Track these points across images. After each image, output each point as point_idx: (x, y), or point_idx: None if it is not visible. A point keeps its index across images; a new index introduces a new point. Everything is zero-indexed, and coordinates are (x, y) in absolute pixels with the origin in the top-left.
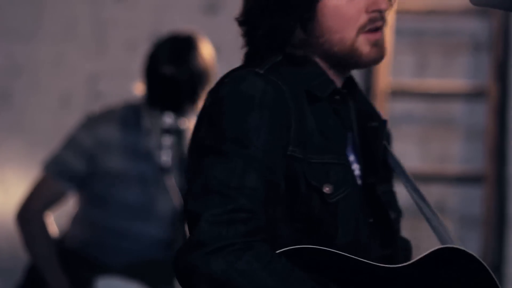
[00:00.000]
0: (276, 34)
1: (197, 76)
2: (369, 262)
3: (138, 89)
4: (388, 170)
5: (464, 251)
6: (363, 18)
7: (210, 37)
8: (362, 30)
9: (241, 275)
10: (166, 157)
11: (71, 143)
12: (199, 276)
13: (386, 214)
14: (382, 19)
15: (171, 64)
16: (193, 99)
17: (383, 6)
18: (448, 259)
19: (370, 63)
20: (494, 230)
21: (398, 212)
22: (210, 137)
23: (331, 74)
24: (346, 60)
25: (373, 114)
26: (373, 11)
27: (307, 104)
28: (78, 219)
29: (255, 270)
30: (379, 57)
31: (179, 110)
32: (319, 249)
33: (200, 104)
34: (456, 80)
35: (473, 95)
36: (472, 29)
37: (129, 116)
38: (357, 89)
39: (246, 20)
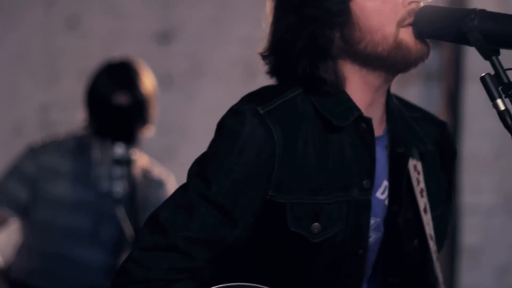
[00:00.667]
0: (316, 47)
1: (145, 103)
2: None
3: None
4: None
5: None
6: (401, 11)
7: (162, 66)
8: (401, 23)
9: None
10: (117, 187)
11: (14, 171)
12: None
13: (399, 243)
14: None
15: (121, 93)
16: (141, 128)
17: None
18: None
19: (419, 59)
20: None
21: (422, 241)
22: (193, 164)
23: (364, 98)
24: (394, 58)
25: (403, 139)
26: (410, 3)
27: (321, 136)
28: (23, 248)
29: None
30: (427, 51)
31: (131, 140)
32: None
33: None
34: None
35: None
36: None
37: (74, 145)
38: (393, 110)
39: (276, 48)
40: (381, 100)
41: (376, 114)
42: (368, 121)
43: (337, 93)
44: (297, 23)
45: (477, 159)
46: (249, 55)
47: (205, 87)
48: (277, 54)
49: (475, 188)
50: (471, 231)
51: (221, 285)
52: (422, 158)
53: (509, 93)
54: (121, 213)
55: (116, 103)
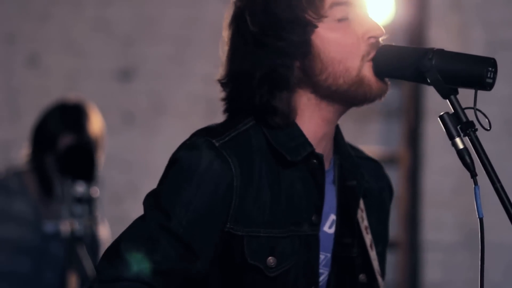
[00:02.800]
0: (275, 77)
1: (100, 141)
2: None
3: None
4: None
5: None
6: (364, 45)
7: (124, 104)
8: (366, 58)
9: None
10: (78, 225)
11: None
12: None
13: (354, 277)
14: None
15: (79, 133)
16: (98, 166)
17: (378, 32)
18: None
19: (377, 96)
20: None
21: (371, 276)
22: (149, 196)
23: (317, 131)
24: (354, 92)
25: (355, 171)
26: (370, 38)
27: (273, 170)
28: None
29: None
30: (386, 89)
31: (91, 178)
32: None
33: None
34: (368, 146)
35: (385, 162)
36: None
37: (16, 184)
38: (341, 144)
39: (235, 76)
40: (331, 133)
41: (326, 147)
42: (319, 158)
43: (288, 126)
44: (257, 53)
45: (437, 195)
46: (210, 92)
47: (166, 124)
48: (235, 82)
49: (436, 224)
50: (433, 267)
51: None
52: (364, 196)
53: (468, 131)
54: (82, 251)
55: (77, 142)
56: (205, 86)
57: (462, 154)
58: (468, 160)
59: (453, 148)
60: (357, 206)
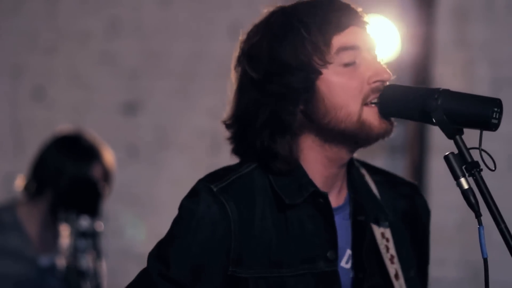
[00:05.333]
0: (277, 122)
1: (108, 176)
2: None
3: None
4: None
5: None
6: (366, 89)
7: (129, 137)
8: (365, 101)
9: None
10: (82, 260)
11: None
12: None
13: None
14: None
15: (82, 167)
16: (103, 200)
17: (385, 76)
18: None
19: (381, 136)
20: None
21: None
22: (154, 247)
23: (323, 171)
24: (356, 135)
25: (365, 206)
26: (375, 82)
27: (278, 210)
28: None
29: None
30: (390, 129)
31: (96, 212)
32: None
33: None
34: None
35: None
36: None
37: (11, 219)
38: (356, 179)
39: (239, 118)
40: (341, 171)
41: (335, 185)
42: (324, 196)
43: (292, 169)
44: (260, 97)
45: (441, 232)
46: (215, 126)
47: (171, 158)
48: (239, 124)
49: (440, 261)
50: None
51: None
52: (390, 224)
53: (473, 172)
54: (86, 286)
55: (81, 176)
56: (210, 121)
57: (467, 195)
58: (473, 201)
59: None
60: (364, 241)
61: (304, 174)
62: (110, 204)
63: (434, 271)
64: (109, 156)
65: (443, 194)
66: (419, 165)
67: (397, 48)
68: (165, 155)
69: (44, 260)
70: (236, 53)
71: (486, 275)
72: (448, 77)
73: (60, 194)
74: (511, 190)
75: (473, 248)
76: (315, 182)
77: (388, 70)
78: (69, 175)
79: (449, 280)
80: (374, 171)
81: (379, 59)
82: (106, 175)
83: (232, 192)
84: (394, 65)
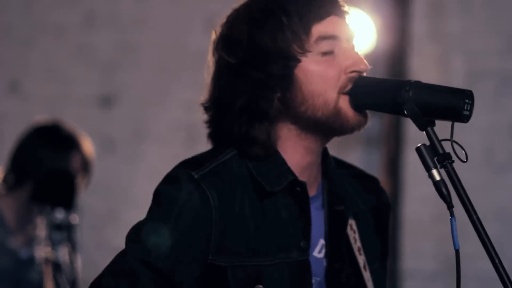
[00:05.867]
0: (255, 108)
1: (88, 166)
2: None
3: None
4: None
5: None
6: (343, 78)
7: (105, 130)
8: (342, 90)
9: None
10: (58, 253)
11: None
12: None
13: None
14: None
15: (61, 158)
16: (78, 193)
17: (362, 67)
18: None
19: (356, 127)
20: None
21: None
22: (131, 230)
23: (300, 159)
24: (332, 124)
25: (343, 196)
26: (352, 72)
27: (256, 199)
28: None
29: None
30: (364, 121)
31: (71, 205)
32: None
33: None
34: None
35: None
36: None
37: None
38: (330, 169)
39: (217, 102)
40: (317, 160)
41: (311, 174)
42: (302, 185)
43: (270, 156)
44: (238, 82)
45: (417, 224)
46: (191, 119)
47: (147, 151)
48: (216, 108)
49: (416, 253)
50: None
51: None
52: (356, 217)
53: (444, 163)
54: (61, 278)
55: (57, 168)
56: (186, 113)
57: (438, 186)
58: (445, 192)
59: None
60: (344, 230)
61: (283, 162)
62: (86, 197)
63: (410, 263)
64: (88, 146)
65: (418, 186)
66: (394, 158)
67: (372, 41)
68: (141, 148)
69: (23, 253)
70: (214, 36)
71: (458, 266)
72: (424, 69)
73: (35, 186)
74: (487, 183)
75: (449, 240)
76: (293, 170)
77: (365, 61)
78: (46, 167)
79: (425, 272)
80: (340, 164)
81: (356, 49)
82: (86, 165)
83: (212, 179)
84: (370, 58)
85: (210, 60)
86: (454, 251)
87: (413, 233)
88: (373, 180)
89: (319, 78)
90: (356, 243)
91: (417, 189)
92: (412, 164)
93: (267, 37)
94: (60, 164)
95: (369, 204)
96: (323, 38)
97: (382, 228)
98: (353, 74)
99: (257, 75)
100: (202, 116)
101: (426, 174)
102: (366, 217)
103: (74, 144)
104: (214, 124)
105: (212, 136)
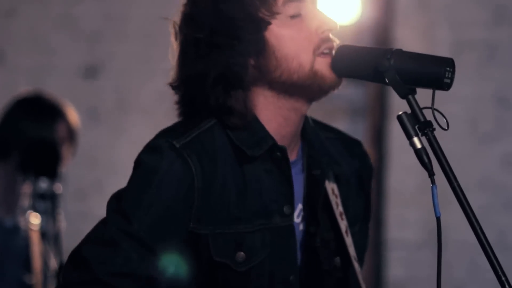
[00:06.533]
0: (230, 76)
1: (73, 135)
2: None
3: None
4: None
5: None
6: (316, 39)
7: (89, 101)
8: (317, 51)
9: None
10: (41, 222)
11: None
12: None
13: (318, 263)
14: (332, 40)
15: (44, 128)
16: (62, 162)
17: (332, 25)
18: None
19: (333, 86)
20: None
21: (346, 261)
22: (111, 199)
23: (278, 125)
24: (309, 86)
25: (320, 160)
26: (323, 32)
27: (237, 167)
28: None
29: None
30: (339, 81)
31: (55, 175)
32: None
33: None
34: None
35: None
36: (349, 95)
37: None
38: (309, 133)
39: (188, 79)
40: (296, 125)
41: (292, 140)
42: (282, 150)
43: (249, 124)
44: (210, 54)
45: (401, 194)
46: None
47: (131, 121)
48: (188, 85)
49: (400, 223)
50: (396, 265)
51: None
52: (337, 181)
53: (425, 131)
54: (45, 248)
55: (41, 138)
56: None
57: (419, 154)
58: (426, 160)
59: None
60: (320, 195)
61: (262, 128)
62: (70, 167)
63: (394, 232)
64: (73, 115)
65: (403, 156)
66: (379, 128)
67: (358, 11)
68: (126, 119)
69: (8, 221)
70: (176, 17)
71: (439, 233)
72: (409, 40)
73: (18, 156)
74: (471, 153)
75: (432, 210)
76: (273, 136)
77: (333, 20)
78: (30, 138)
79: (409, 241)
80: (325, 128)
81: (323, 11)
82: (71, 134)
83: (194, 148)
84: (356, 28)
85: (173, 43)
86: (437, 225)
87: (398, 203)
88: (356, 143)
89: (291, 41)
90: (338, 208)
91: (402, 159)
92: (396, 134)
93: (235, 5)
94: (44, 134)
95: (353, 167)
96: (289, 0)
97: (364, 191)
98: (325, 34)
99: (229, 43)
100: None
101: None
102: (349, 180)
103: (59, 113)
104: (187, 102)
105: (184, 113)
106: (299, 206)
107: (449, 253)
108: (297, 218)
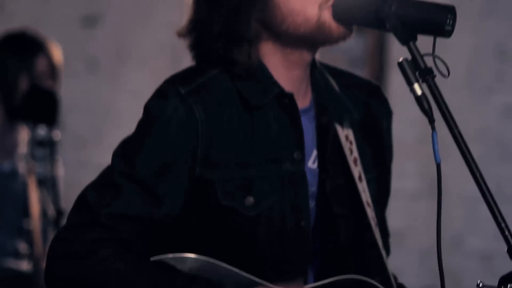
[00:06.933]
0: (232, 32)
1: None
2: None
3: None
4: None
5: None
6: None
7: (88, 50)
8: (324, 5)
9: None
10: (39, 169)
11: None
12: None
13: (330, 209)
14: None
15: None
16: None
17: None
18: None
19: (340, 39)
20: None
21: (359, 208)
22: (118, 145)
23: (287, 73)
24: (315, 38)
25: (328, 107)
26: None
27: (244, 113)
28: None
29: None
30: (348, 32)
31: (53, 122)
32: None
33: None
34: None
35: None
36: (348, 45)
37: None
38: (319, 81)
39: (196, 26)
40: (305, 73)
41: (300, 87)
42: (290, 96)
43: (254, 72)
44: (215, 7)
45: (401, 145)
46: (175, 40)
47: (130, 71)
48: (194, 34)
49: (400, 173)
50: (396, 215)
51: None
52: (353, 126)
53: (426, 78)
54: (43, 194)
55: (42, 85)
56: (170, 34)
57: (420, 100)
58: (426, 106)
59: None
60: (328, 141)
61: (269, 77)
62: (69, 116)
63: (394, 182)
64: (55, 50)
65: (402, 108)
66: (378, 79)
67: None
68: (125, 68)
69: (5, 165)
70: None
71: (439, 180)
72: None
73: (16, 104)
74: (470, 105)
75: (431, 161)
76: (281, 84)
77: None
78: (13, 74)
79: (408, 191)
80: (338, 73)
81: None
82: (53, 70)
83: (200, 94)
84: None
85: None
86: (436, 171)
87: (397, 153)
88: (374, 87)
89: None
90: (352, 154)
91: (401, 110)
92: (395, 85)
93: None
94: (23, 68)
95: (370, 111)
96: None
97: (383, 135)
98: None
99: (230, 1)
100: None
101: (409, 95)
102: (366, 125)
103: (39, 47)
104: (195, 48)
105: (196, 58)
106: (314, 152)
107: (448, 204)
108: (313, 164)
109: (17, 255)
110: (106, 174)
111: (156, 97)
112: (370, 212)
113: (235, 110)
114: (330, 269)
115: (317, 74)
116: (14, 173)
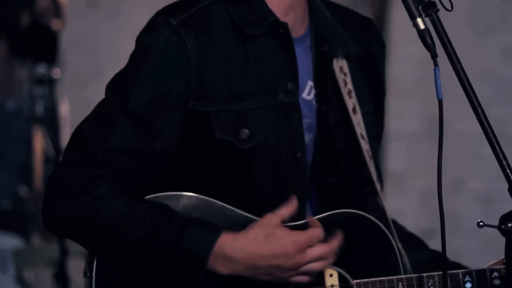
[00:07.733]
0: None
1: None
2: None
3: None
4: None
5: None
6: None
7: None
8: None
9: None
10: (38, 107)
11: None
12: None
13: (331, 141)
14: None
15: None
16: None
17: None
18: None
19: None
20: None
21: (353, 140)
22: (111, 79)
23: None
24: None
25: (330, 37)
26: None
27: (238, 44)
28: None
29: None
30: None
31: (53, 60)
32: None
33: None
34: None
35: None
36: None
37: None
38: (316, 10)
39: None
40: (301, 1)
41: (296, 16)
42: (284, 26)
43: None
44: None
45: (401, 85)
46: None
47: (131, 8)
48: None
49: (400, 113)
50: (396, 156)
51: (163, 194)
52: (348, 59)
53: (429, 12)
54: (42, 132)
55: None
56: None
57: (423, 35)
58: (429, 41)
59: (418, 37)
60: (328, 71)
61: (264, 5)
62: (69, 54)
63: (394, 123)
64: None
65: (403, 47)
66: (380, 18)
67: None
68: (126, 6)
69: (10, 104)
70: None
71: (440, 116)
72: None
73: (16, 41)
74: (472, 45)
75: (432, 101)
76: (275, 13)
77: None
78: (12, 11)
79: (408, 132)
80: (334, 6)
81: None
82: (56, 7)
83: (191, 24)
84: None
85: None
86: (436, 112)
87: (398, 93)
88: (368, 22)
89: None
90: (346, 86)
91: (403, 50)
92: (397, 24)
93: None
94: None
95: (364, 45)
96: None
97: (377, 69)
98: None
99: None
100: None
101: (411, 34)
102: (360, 58)
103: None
104: None
105: None
106: (309, 83)
107: (449, 144)
108: (308, 96)
109: (17, 197)
110: (101, 109)
111: (148, 29)
112: (364, 145)
113: (228, 40)
114: (328, 204)
115: (314, 5)
116: (17, 113)
